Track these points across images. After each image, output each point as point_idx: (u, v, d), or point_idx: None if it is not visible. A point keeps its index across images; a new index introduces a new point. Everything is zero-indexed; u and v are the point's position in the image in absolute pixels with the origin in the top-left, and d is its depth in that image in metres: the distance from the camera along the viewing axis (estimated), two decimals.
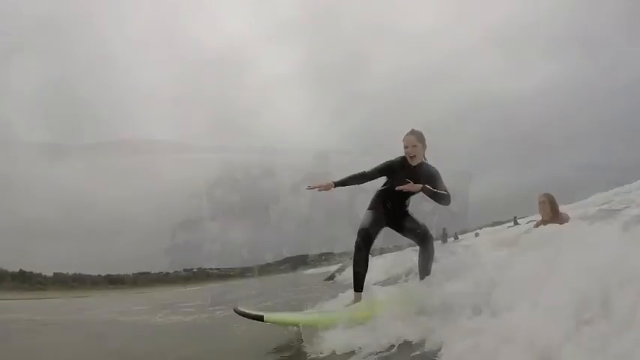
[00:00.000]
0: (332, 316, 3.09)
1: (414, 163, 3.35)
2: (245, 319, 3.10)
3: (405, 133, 3.38)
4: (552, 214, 4.26)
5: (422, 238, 3.51)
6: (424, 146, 3.40)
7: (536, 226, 4.47)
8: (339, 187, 3.41)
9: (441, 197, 3.32)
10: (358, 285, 3.40)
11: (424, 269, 3.47)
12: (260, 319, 2.96)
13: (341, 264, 14.80)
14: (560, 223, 3.82)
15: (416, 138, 3.34)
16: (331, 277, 13.88)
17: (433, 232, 3.63)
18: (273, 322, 3.04)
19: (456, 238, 18.10)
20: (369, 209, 3.57)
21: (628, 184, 16.68)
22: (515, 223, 16.80)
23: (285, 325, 3.11)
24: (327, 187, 3.36)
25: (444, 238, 18.69)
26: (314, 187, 3.37)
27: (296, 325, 3.05)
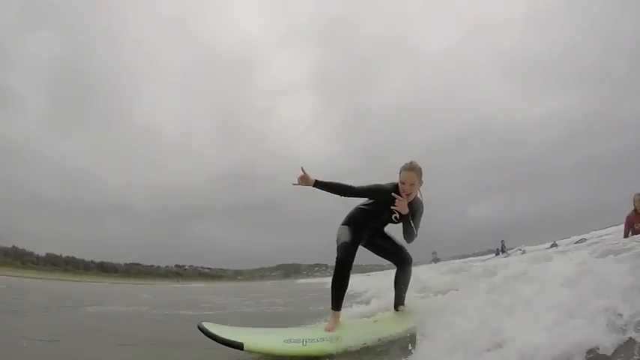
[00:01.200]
0: (320, 347, 2.96)
1: (408, 199, 3.15)
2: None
3: (403, 166, 3.18)
4: None
5: (401, 259, 3.50)
6: (421, 183, 3.22)
7: (629, 217, 5.83)
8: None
9: (411, 233, 3.27)
10: (337, 304, 3.24)
11: (400, 291, 3.51)
12: (239, 347, 2.69)
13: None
14: None
15: (415, 175, 3.15)
16: None
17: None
18: (254, 352, 2.79)
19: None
20: (344, 225, 3.40)
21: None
22: (553, 246, 15.97)
23: (266, 353, 2.85)
24: (306, 182, 3.14)
25: (502, 250, 20.40)
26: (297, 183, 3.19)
27: (279, 355, 2.84)
